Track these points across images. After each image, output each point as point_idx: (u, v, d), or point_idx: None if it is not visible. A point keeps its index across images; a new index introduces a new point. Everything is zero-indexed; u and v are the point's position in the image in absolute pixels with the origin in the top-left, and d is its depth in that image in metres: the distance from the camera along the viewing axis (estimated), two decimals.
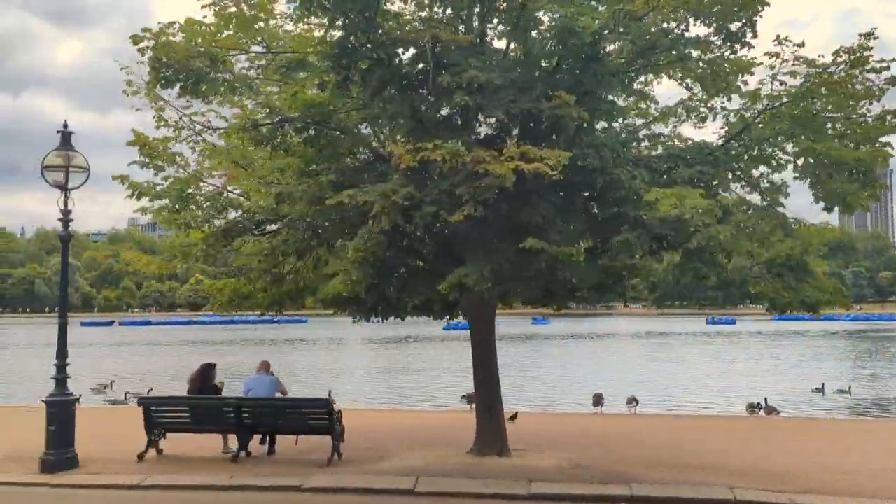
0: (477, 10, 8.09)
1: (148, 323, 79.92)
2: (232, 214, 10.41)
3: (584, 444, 10.50)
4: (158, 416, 9.64)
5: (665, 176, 7.84)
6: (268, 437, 9.88)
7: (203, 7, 8.16)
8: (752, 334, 54.55)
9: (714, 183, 7.68)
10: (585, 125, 7.74)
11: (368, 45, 7.65)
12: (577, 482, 8.14)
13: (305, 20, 7.85)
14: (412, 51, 7.89)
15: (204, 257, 10.08)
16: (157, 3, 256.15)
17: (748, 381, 23.62)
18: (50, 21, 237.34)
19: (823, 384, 20.65)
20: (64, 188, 9.28)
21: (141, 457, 9.47)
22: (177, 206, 10.06)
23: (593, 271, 8.04)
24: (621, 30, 7.15)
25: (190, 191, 10.06)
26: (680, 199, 6.46)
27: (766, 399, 16.06)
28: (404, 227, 7.68)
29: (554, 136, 7.89)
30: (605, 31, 7.13)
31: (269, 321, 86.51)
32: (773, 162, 8.17)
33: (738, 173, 8.26)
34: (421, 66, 7.97)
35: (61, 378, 9.21)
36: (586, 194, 8.24)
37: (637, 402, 15.35)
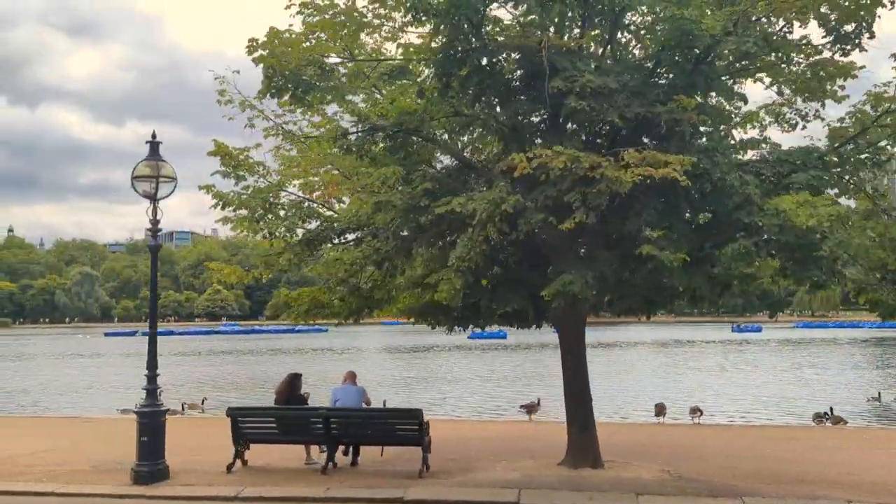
0: (576, 13, 7.99)
1: (170, 333, 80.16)
2: (311, 224, 10.43)
3: (672, 455, 10.29)
4: (245, 427, 9.57)
5: (775, 181, 7.69)
6: (351, 448, 9.79)
7: (293, 16, 8.23)
8: (782, 342, 53.85)
9: (830, 189, 7.52)
10: (694, 130, 7.62)
11: (471, 51, 7.60)
12: (686, 495, 7.95)
13: (411, 28, 7.81)
14: (513, 56, 7.81)
15: (289, 266, 10.03)
16: (172, 15, 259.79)
17: (796, 390, 23.25)
18: (66, 34, 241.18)
19: (880, 393, 20.25)
20: (153, 198, 9.29)
21: (229, 468, 9.39)
22: (257, 216, 10.08)
23: (700, 279, 7.89)
24: (740, 32, 7.02)
25: (273, 200, 10.06)
26: (814, 208, 6.31)
27: (831, 409, 15.75)
28: (508, 234, 7.59)
29: (656, 141, 7.80)
30: (725, 34, 7.01)
31: (288, 330, 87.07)
32: (890, 165, 8.00)
33: (847, 178, 8.10)
34: (520, 72, 7.90)
35: (152, 388, 9.17)
36: (690, 200, 8.10)
37: (701, 412, 15.12)
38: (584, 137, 8.42)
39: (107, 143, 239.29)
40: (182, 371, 34.33)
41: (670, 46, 7.20)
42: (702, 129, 8.21)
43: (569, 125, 7.97)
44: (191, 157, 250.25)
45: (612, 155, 7.05)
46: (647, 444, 11.42)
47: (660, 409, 15.37)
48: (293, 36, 7.73)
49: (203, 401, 17.39)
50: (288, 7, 8.57)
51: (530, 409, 15.89)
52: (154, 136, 9.49)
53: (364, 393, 9.84)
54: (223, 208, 10.00)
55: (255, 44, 8.11)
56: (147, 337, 9.46)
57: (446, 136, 9.39)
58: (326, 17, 7.55)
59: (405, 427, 9.30)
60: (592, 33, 8.31)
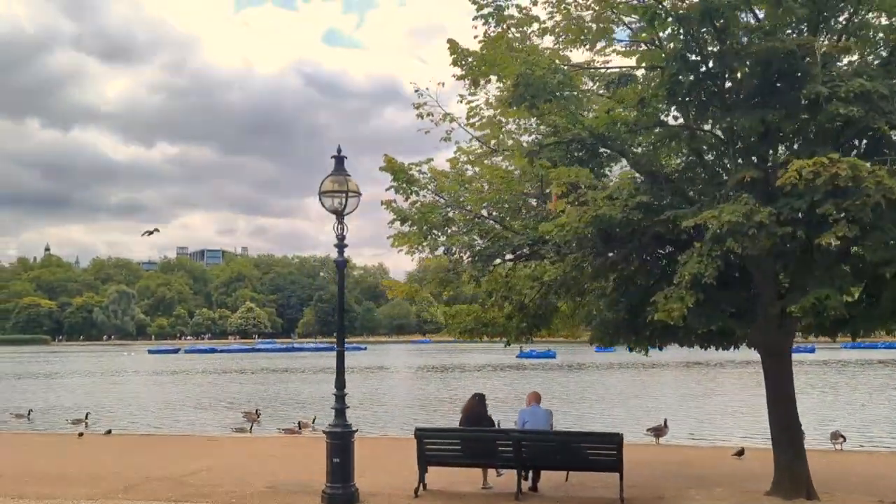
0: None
1: (213, 350, 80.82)
2: (478, 239, 10.19)
3: (873, 486, 9.74)
4: (430, 449, 9.25)
5: None
6: (530, 472, 9.41)
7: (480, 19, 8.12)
8: (845, 363, 52.18)
9: None
10: None
11: (707, 57, 7.35)
12: None
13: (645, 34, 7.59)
14: (748, 62, 7.53)
15: (469, 282, 9.78)
16: (207, 35, 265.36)
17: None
18: (99, 58, 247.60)
19: None
20: (341, 213, 9.14)
21: (416, 492, 9.08)
22: (426, 231, 9.88)
23: None
24: None
25: (451, 215, 9.86)
26: None
27: None
28: (746, 249, 7.26)
29: None
30: None
31: (326, 348, 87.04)
32: None
33: None
34: (755, 80, 7.60)
35: (340, 408, 8.93)
36: None
37: (844, 438, 14.40)
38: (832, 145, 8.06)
39: (137, 164, 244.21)
40: (254, 389, 34.19)
41: None
42: None
43: (811, 130, 7.58)
44: (217, 176, 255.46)
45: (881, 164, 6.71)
46: (835, 473, 10.82)
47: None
48: (517, 46, 7.55)
49: (314, 419, 17.17)
50: (477, 17, 8.51)
51: (658, 432, 15.34)
52: (339, 150, 9.36)
53: (551, 415, 9.49)
54: (402, 224, 9.82)
55: (460, 50, 7.95)
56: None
57: (639, 149, 9.11)
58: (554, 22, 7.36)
59: (599, 451, 8.91)
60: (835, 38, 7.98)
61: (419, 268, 14.78)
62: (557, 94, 7.29)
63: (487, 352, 74.68)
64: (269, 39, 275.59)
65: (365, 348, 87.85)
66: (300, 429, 16.30)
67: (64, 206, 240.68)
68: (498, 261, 10.29)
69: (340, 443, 8.75)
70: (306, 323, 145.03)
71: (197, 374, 45.57)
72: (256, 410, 19.79)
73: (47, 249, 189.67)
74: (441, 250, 9.85)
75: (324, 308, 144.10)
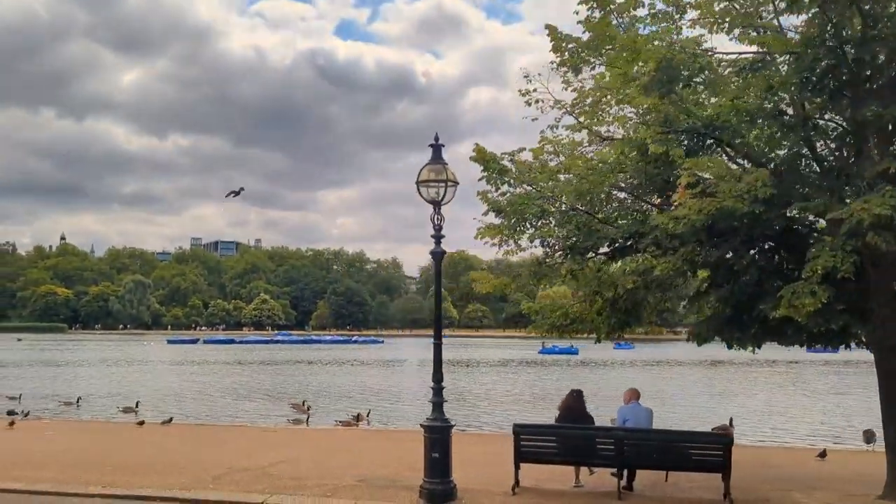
0: None
1: (231, 341, 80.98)
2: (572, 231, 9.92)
3: None
4: (526, 445, 9.03)
5: None
6: (626, 471, 9.17)
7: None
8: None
9: None
10: None
11: (847, 42, 7.04)
12: None
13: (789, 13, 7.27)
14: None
15: (565, 274, 9.52)
16: (220, 26, 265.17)
17: None
18: (113, 49, 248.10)
19: None
20: (438, 203, 8.92)
21: (514, 489, 8.87)
22: (514, 222, 9.63)
23: None
24: None
25: (547, 206, 9.60)
26: None
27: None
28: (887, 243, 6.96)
29: None
30: None
31: (344, 341, 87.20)
32: None
33: None
34: None
35: (438, 401, 8.73)
36: None
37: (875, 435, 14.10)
38: None
39: (149, 154, 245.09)
40: (285, 379, 34.15)
41: None
42: None
43: None
44: (229, 168, 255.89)
45: None
46: None
47: (870, 436, 14.37)
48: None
49: (369, 412, 17.03)
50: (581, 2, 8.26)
51: (724, 431, 15.04)
52: (437, 138, 9.12)
53: (652, 413, 9.25)
54: (497, 215, 9.58)
55: (560, 36, 7.68)
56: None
57: (751, 139, 8.79)
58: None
59: (705, 452, 8.66)
60: None
61: (501, 262, 14.36)
62: (696, 79, 7.01)
63: (505, 347, 74.53)
64: (281, 31, 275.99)
65: (382, 342, 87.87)
66: (357, 421, 16.15)
67: (77, 195, 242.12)
68: (590, 254, 10.04)
69: (440, 437, 8.54)
70: (320, 315, 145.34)
71: (220, 364, 45.65)
72: (304, 402, 19.68)
73: (63, 238, 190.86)
74: (537, 242, 9.57)
75: (338, 301, 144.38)
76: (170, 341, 79.66)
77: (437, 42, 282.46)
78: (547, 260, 9.74)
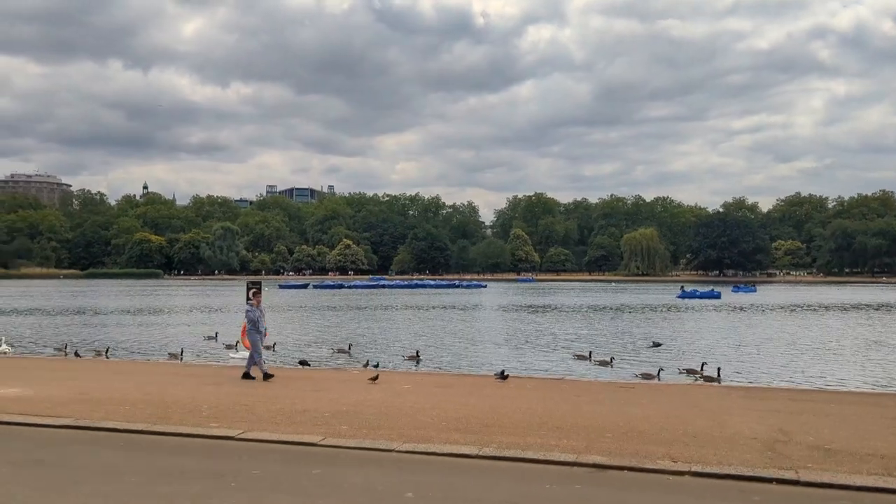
0: None
1: (340, 286, 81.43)
2: None
3: None
4: None
5: None
6: None
7: None
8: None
9: None
10: None
11: None
12: None
13: None
14: None
15: None
16: None
17: None
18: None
19: None
20: None
21: None
22: None
23: None
24: None
25: None
26: None
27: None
28: None
29: None
30: None
31: (449, 285, 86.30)
32: None
33: None
34: None
35: None
36: None
37: None
38: None
39: (213, 104, 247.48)
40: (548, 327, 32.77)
41: None
42: None
43: None
44: (291, 115, 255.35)
45: None
46: None
47: None
48: None
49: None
50: None
51: None
52: None
53: None
54: None
55: None
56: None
57: None
58: None
59: None
60: None
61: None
62: None
63: (625, 292, 71.66)
64: None
65: (486, 286, 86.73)
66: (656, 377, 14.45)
67: (147, 145, 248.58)
68: None
69: None
70: (401, 260, 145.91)
71: (366, 309, 44.78)
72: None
73: (145, 188, 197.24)
74: None
75: (419, 245, 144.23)
76: (281, 286, 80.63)
77: None
78: None
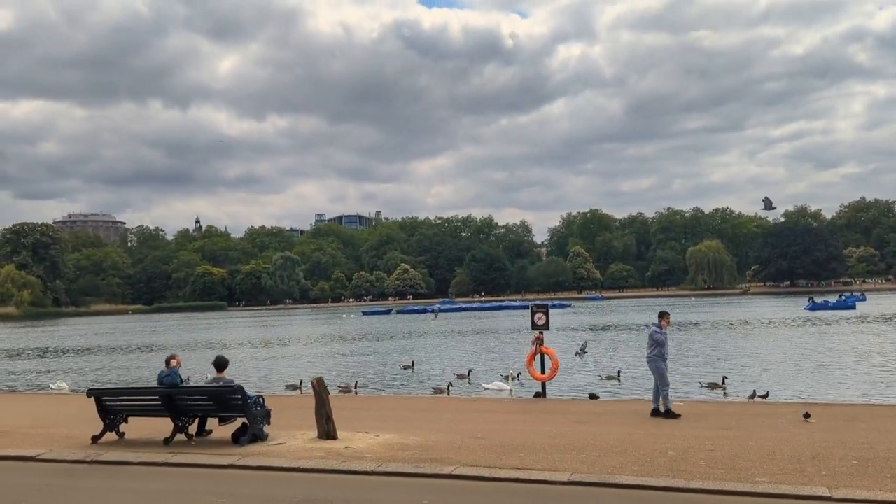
0: None
1: (424, 310, 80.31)
2: None
3: None
4: None
5: None
6: None
7: None
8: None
9: None
10: None
11: None
12: None
13: None
14: None
15: None
16: (309, 3, 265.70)
17: None
18: (210, 38, 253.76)
19: None
20: None
21: None
22: None
23: None
24: None
25: None
26: None
27: None
28: None
29: None
30: None
31: (521, 307, 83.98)
32: None
33: None
34: None
35: None
36: None
37: None
38: None
39: (250, 137, 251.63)
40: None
41: None
42: None
43: None
44: (326, 145, 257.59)
45: None
46: None
47: None
48: None
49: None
50: None
51: None
52: None
53: None
54: None
55: None
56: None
57: None
58: None
59: None
60: None
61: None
62: None
63: (727, 305, 68.37)
64: (366, 4, 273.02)
65: (570, 305, 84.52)
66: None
67: (186, 181, 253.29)
68: None
69: None
70: (459, 282, 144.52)
71: (470, 335, 43.32)
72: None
73: (197, 222, 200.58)
74: None
75: (478, 267, 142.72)
76: (365, 313, 79.87)
77: (522, 0, 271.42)
78: None
